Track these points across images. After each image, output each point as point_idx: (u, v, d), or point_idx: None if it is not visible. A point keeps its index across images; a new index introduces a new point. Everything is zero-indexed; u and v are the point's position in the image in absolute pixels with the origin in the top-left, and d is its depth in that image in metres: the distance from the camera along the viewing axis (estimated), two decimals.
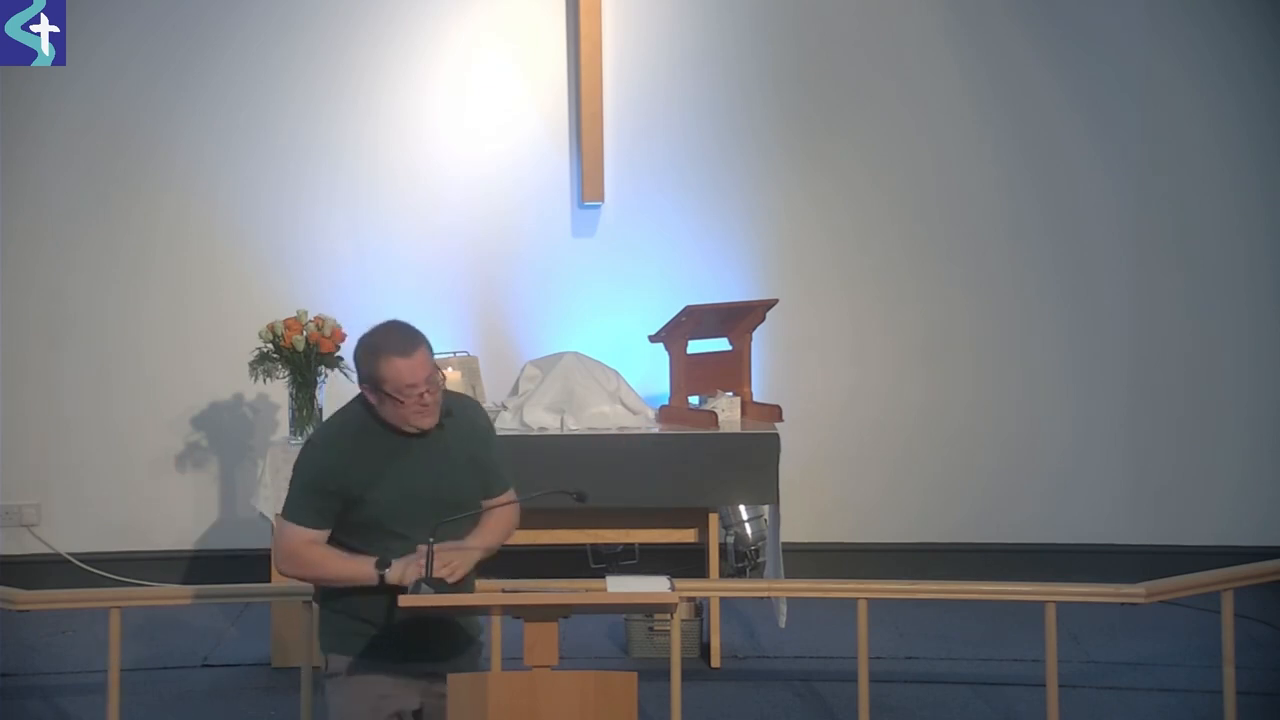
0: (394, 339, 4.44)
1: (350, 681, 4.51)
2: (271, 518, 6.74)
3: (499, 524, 4.62)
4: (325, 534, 4.48)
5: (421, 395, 4.42)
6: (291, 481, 4.54)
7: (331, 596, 4.52)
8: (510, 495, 4.66)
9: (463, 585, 4.50)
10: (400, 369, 4.40)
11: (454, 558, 4.44)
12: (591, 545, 7.42)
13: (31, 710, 6.35)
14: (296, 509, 4.49)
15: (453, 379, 6.81)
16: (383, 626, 4.46)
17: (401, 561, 4.41)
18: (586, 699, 4.27)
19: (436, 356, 6.94)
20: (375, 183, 7.81)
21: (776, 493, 6.78)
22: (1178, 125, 7.87)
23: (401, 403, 4.42)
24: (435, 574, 4.36)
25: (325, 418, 6.77)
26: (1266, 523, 7.88)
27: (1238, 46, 7.83)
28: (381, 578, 4.40)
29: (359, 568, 4.43)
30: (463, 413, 4.59)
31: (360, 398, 4.56)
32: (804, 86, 7.85)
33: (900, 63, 7.84)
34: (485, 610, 4.74)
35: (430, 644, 4.51)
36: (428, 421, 4.45)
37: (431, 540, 4.34)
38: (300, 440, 6.78)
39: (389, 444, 4.48)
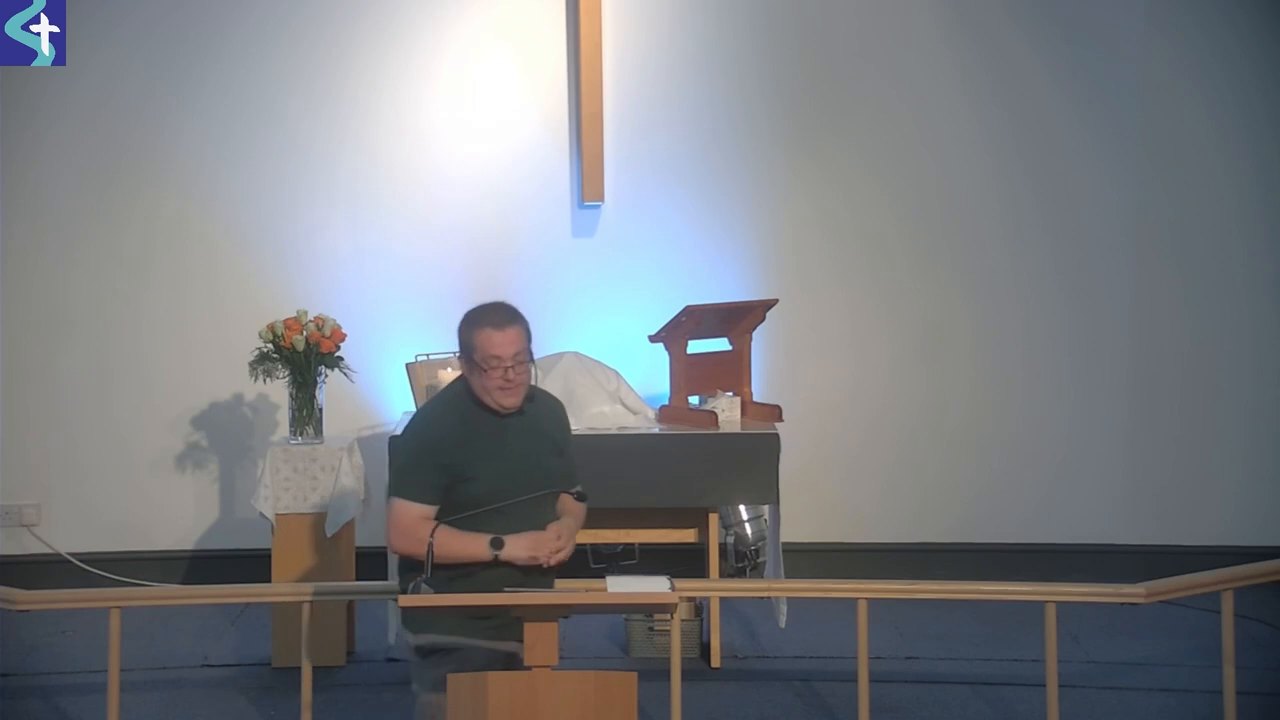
0: (492, 313, 4.68)
1: (450, 657, 4.63)
2: (272, 518, 6.75)
3: (580, 513, 4.83)
4: (434, 509, 4.64)
5: (506, 371, 4.61)
6: (394, 461, 4.78)
7: (436, 578, 4.59)
8: (579, 492, 4.85)
9: (549, 575, 4.69)
10: (490, 339, 4.61)
11: (564, 540, 4.65)
12: (591, 545, 7.42)
13: (31, 710, 6.35)
14: (404, 485, 4.66)
15: (452, 379, 6.80)
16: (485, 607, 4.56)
17: (514, 538, 4.59)
18: (586, 699, 4.27)
19: (435, 357, 7.04)
20: (375, 183, 7.81)
21: (776, 493, 6.78)
22: (1178, 125, 7.88)
23: (486, 372, 4.60)
24: (548, 564, 4.58)
25: (324, 417, 6.86)
26: (1266, 523, 7.89)
27: (1238, 46, 7.83)
28: (495, 556, 4.57)
29: (473, 545, 4.59)
30: (548, 404, 4.84)
31: (461, 379, 4.75)
32: (804, 86, 7.85)
33: (900, 63, 7.84)
34: (486, 610, 4.74)
35: (515, 621, 4.60)
36: (510, 400, 4.65)
37: (431, 539, 4.36)
38: (299, 440, 6.80)
39: (487, 423, 4.67)
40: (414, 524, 4.61)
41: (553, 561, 4.63)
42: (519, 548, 4.60)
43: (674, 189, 7.84)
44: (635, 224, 7.84)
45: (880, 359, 7.94)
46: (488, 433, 4.66)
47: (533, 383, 4.74)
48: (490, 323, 4.64)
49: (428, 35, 7.77)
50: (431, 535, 4.57)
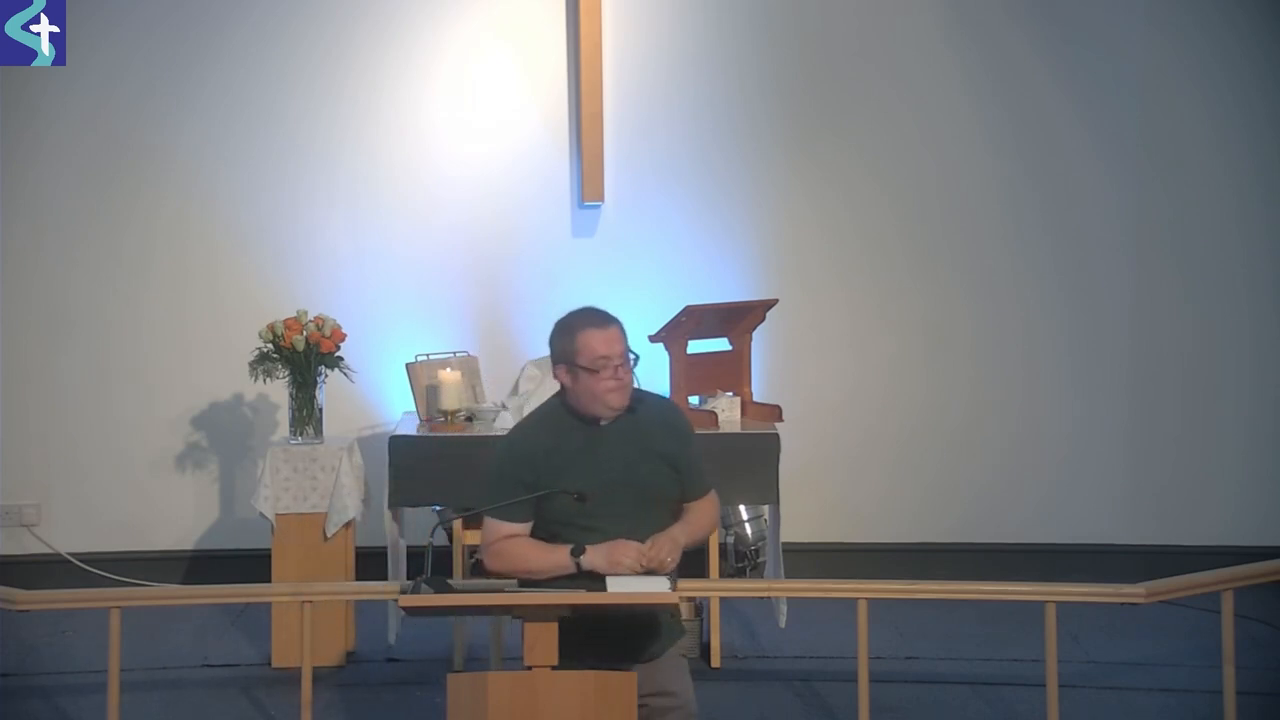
0: (589, 315, 4.64)
1: None
2: (272, 518, 6.75)
3: (703, 516, 4.71)
4: (525, 527, 4.60)
5: (616, 369, 4.53)
6: (489, 477, 4.67)
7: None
8: (711, 497, 4.75)
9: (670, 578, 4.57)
10: (596, 339, 4.55)
11: (666, 550, 4.52)
12: None
13: (31, 710, 6.34)
14: (492, 502, 4.64)
15: (452, 379, 6.81)
16: (577, 622, 4.48)
17: (595, 548, 4.51)
18: (586, 699, 4.27)
19: (435, 357, 7.04)
20: (375, 183, 7.81)
21: (776, 493, 6.78)
22: (1178, 125, 7.87)
23: (596, 373, 4.53)
24: (651, 569, 4.47)
25: (324, 417, 6.86)
26: (1266, 523, 7.89)
27: (1238, 46, 7.83)
28: (578, 565, 4.51)
29: (557, 557, 4.54)
30: (657, 409, 4.72)
31: (555, 395, 4.68)
32: (804, 86, 7.85)
33: (900, 63, 7.84)
34: (487, 610, 4.75)
35: (624, 641, 4.56)
36: (620, 399, 4.57)
37: (431, 539, 4.35)
38: (299, 440, 6.80)
39: (581, 436, 4.59)
40: (502, 543, 4.58)
41: (638, 570, 4.49)
42: (598, 557, 4.51)
43: (674, 189, 7.84)
44: (635, 224, 7.84)
45: (880, 359, 7.94)
46: (580, 446, 4.59)
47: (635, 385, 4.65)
48: (591, 324, 4.60)
49: (428, 35, 7.77)
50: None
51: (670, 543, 4.56)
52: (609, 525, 4.54)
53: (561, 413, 4.64)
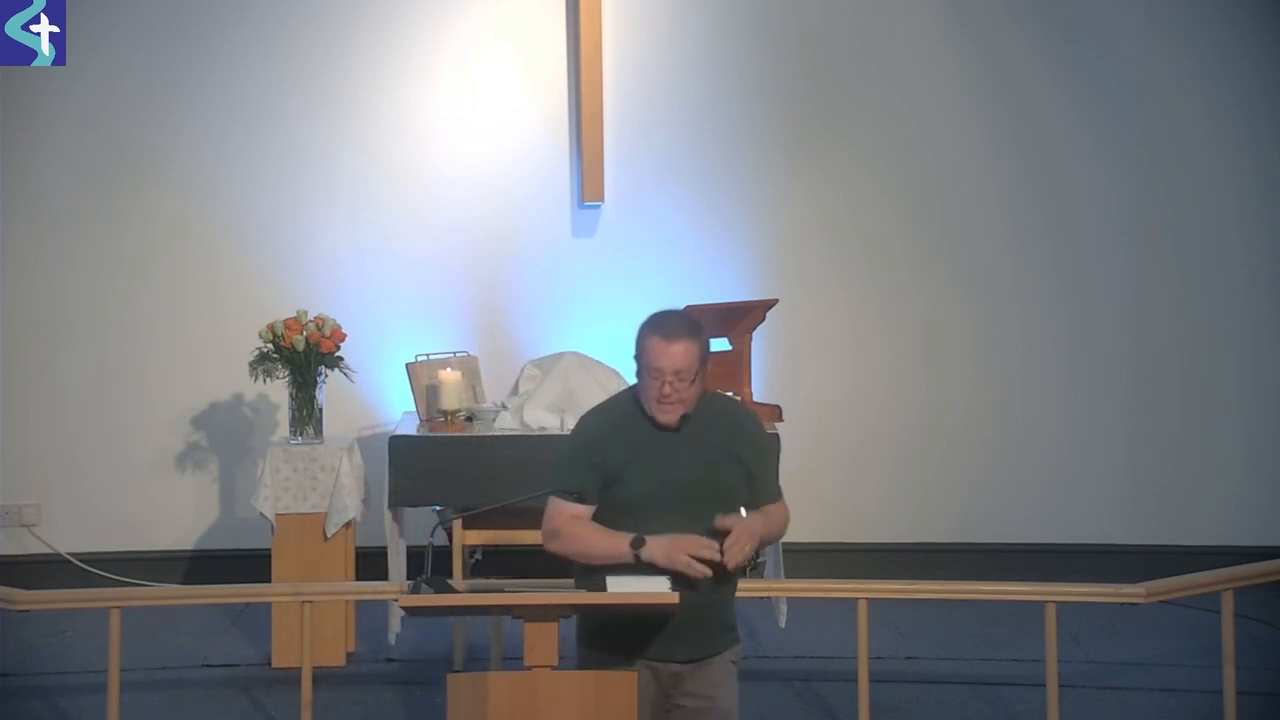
0: (665, 321, 4.48)
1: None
2: (272, 518, 6.75)
3: (777, 515, 4.67)
4: (588, 510, 4.50)
5: (663, 385, 4.42)
6: (560, 457, 4.59)
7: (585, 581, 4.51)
8: (783, 504, 4.71)
9: (731, 575, 4.50)
10: (654, 349, 4.43)
11: (745, 541, 4.42)
12: None
13: (31, 710, 6.35)
14: (559, 481, 4.53)
15: (452, 379, 6.81)
16: (627, 617, 4.44)
17: (656, 539, 4.38)
18: (586, 699, 4.27)
19: (435, 357, 7.03)
20: (375, 183, 7.81)
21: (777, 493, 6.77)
22: (1178, 125, 7.88)
23: (648, 382, 4.45)
24: (726, 561, 4.36)
25: (324, 417, 6.86)
26: (1266, 523, 7.88)
27: (1238, 46, 7.83)
28: (636, 556, 4.39)
29: (616, 544, 4.42)
30: (727, 411, 4.61)
31: (633, 385, 4.60)
32: (804, 86, 7.85)
33: (900, 63, 7.84)
34: (487, 610, 4.74)
35: (678, 639, 4.48)
36: (664, 415, 4.46)
37: (431, 540, 4.34)
38: (299, 440, 6.80)
39: (648, 431, 4.50)
40: (564, 523, 4.48)
41: (695, 571, 4.37)
42: (658, 549, 4.38)
43: (674, 189, 7.84)
44: (635, 224, 7.84)
45: (880, 359, 7.94)
46: (645, 439, 4.50)
47: (700, 394, 4.52)
48: (658, 331, 4.44)
49: (428, 35, 7.77)
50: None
51: (748, 535, 4.45)
52: (669, 521, 4.43)
53: (633, 404, 4.55)
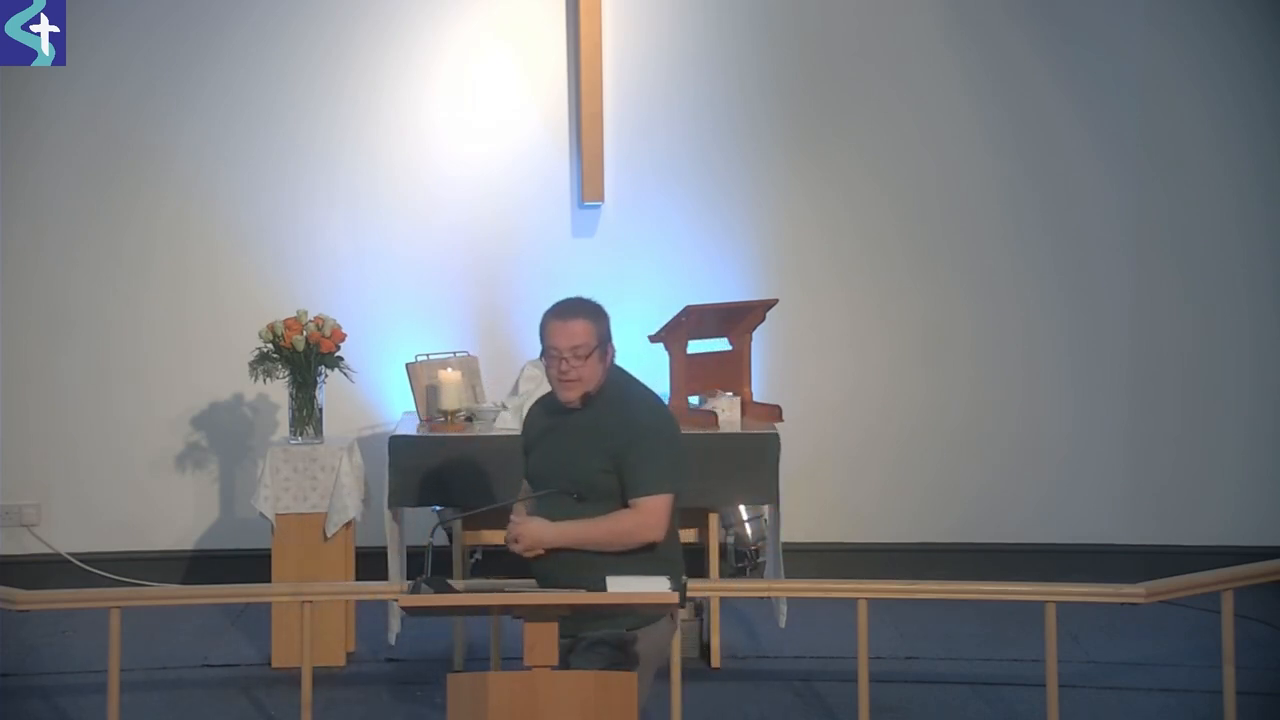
0: (562, 304, 4.76)
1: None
2: (272, 518, 6.75)
3: (602, 524, 4.65)
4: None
5: (561, 363, 4.66)
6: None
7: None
8: (650, 502, 4.64)
9: (571, 575, 4.59)
10: (550, 329, 4.70)
11: (525, 536, 4.66)
12: None
13: (31, 710, 6.35)
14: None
15: (452, 379, 6.81)
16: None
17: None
18: (586, 699, 4.27)
19: (435, 357, 7.04)
20: (375, 183, 7.81)
21: (776, 493, 6.78)
22: (1178, 125, 7.88)
23: (547, 363, 4.71)
24: (507, 543, 4.65)
25: (324, 417, 6.86)
26: (1266, 523, 7.89)
27: (1238, 46, 7.83)
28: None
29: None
30: (622, 406, 4.71)
31: None
32: (804, 86, 7.85)
33: (900, 63, 7.84)
34: (487, 610, 4.75)
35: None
36: (565, 394, 4.70)
37: (431, 540, 4.37)
38: (299, 440, 6.80)
39: (550, 417, 4.78)
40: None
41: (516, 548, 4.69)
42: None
43: (674, 189, 7.84)
44: (635, 224, 7.84)
45: (880, 359, 7.94)
46: (551, 423, 4.77)
47: (599, 380, 4.69)
48: (555, 312, 4.71)
49: (428, 35, 7.77)
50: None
51: (530, 538, 4.67)
52: (545, 502, 4.69)
53: (551, 393, 4.85)
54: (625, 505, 4.65)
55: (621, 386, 4.77)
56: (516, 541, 4.67)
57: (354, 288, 7.75)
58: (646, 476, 4.64)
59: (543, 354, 4.72)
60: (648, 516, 4.64)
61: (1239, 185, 7.91)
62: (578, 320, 4.67)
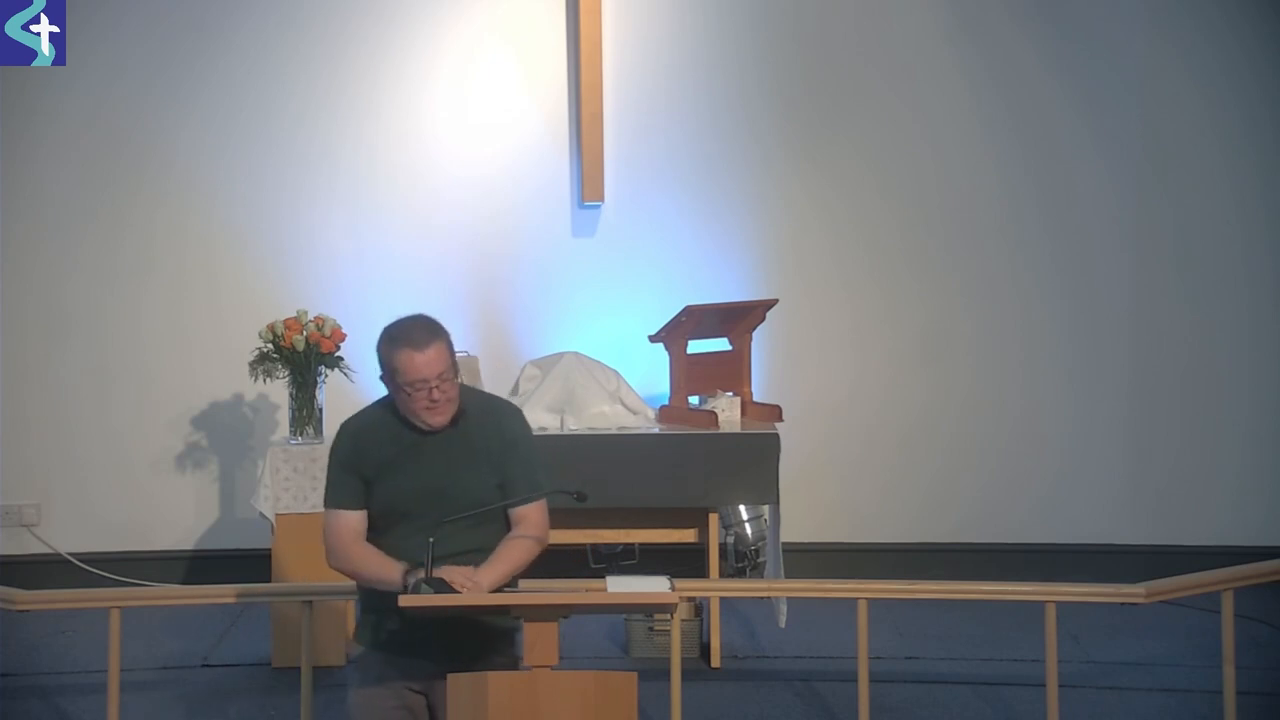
0: (412, 331, 4.41)
1: (361, 666, 4.58)
2: (272, 518, 6.76)
3: (524, 546, 4.53)
4: (360, 515, 4.47)
5: (431, 392, 4.38)
6: (329, 471, 4.56)
7: (362, 589, 4.57)
8: (536, 510, 4.55)
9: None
10: (412, 362, 4.37)
11: (483, 582, 4.38)
12: (591, 545, 7.42)
13: (31, 710, 6.35)
14: (331, 492, 4.53)
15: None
16: (392, 618, 4.43)
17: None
18: (586, 699, 4.27)
19: None
20: (375, 182, 7.81)
21: (776, 493, 6.78)
22: (1178, 125, 7.88)
23: (410, 396, 4.39)
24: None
25: (324, 417, 6.86)
26: (1266, 523, 7.88)
27: (1238, 46, 7.83)
28: (404, 588, 4.35)
29: (390, 573, 4.40)
30: (490, 414, 4.55)
31: (386, 396, 4.54)
32: (804, 87, 7.85)
33: (900, 63, 7.84)
34: (486, 610, 4.73)
35: (435, 644, 4.48)
36: (436, 420, 4.43)
37: (431, 540, 4.34)
38: (299, 440, 6.80)
39: (408, 436, 4.47)
40: (339, 542, 4.47)
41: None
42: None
43: (674, 189, 7.84)
44: (635, 224, 7.84)
45: (880, 359, 7.94)
46: (404, 446, 4.46)
47: (467, 390, 4.52)
48: (410, 343, 4.36)
49: (428, 35, 7.77)
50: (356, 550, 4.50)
51: (486, 585, 4.37)
52: (419, 525, 4.41)
53: (394, 412, 4.49)
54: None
55: (476, 394, 4.61)
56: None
57: (354, 288, 7.75)
58: (531, 482, 4.55)
59: (395, 388, 4.41)
60: (544, 521, 4.57)
61: (1239, 185, 7.91)
62: (434, 344, 4.37)
